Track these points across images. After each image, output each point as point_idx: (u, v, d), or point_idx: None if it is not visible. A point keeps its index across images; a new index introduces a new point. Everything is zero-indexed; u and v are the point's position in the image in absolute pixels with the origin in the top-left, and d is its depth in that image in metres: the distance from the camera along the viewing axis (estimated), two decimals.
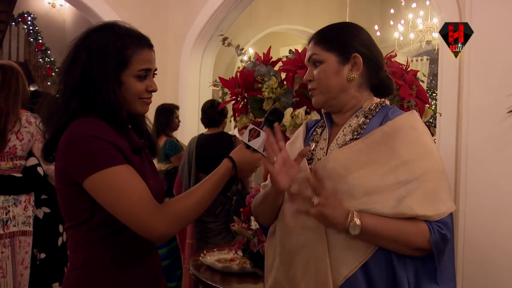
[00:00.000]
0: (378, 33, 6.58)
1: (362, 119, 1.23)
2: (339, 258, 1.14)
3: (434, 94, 5.68)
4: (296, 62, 1.82)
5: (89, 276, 1.20)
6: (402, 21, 6.47)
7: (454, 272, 1.19)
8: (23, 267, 2.61)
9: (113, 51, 1.19)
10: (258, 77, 1.88)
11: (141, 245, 1.24)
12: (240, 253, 2.05)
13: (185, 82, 4.87)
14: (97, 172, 1.12)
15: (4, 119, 2.52)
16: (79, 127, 1.16)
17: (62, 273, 2.64)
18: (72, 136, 1.16)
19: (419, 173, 1.11)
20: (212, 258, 2.22)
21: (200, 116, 3.63)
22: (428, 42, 6.29)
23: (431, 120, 3.71)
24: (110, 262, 1.21)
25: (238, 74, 1.96)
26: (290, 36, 6.94)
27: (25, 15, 8.92)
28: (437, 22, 5.49)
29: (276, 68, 1.94)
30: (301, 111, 1.74)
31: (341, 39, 1.24)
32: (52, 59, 8.67)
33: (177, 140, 3.86)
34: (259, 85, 1.87)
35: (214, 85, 2.17)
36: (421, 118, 1.79)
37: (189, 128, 4.65)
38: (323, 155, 1.24)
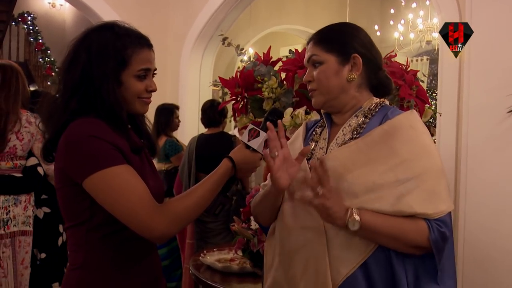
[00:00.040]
0: (378, 33, 6.58)
1: (362, 118, 1.23)
2: (339, 258, 1.14)
3: (434, 94, 5.68)
4: (296, 62, 1.82)
5: (89, 276, 1.20)
6: (402, 21, 6.46)
7: (454, 272, 1.19)
8: (23, 267, 2.61)
9: (113, 51, 1.20)
10: (258, 77, 1.89)
11: (141, 245, 1.24)
12: (240, 253, 2.05)
13: (185, 82, 4.87)
14: (97, 172, 1.12)
15: (4, 119, 2.52)
16: (79, 127, 1.16)
17: (62, 273, 2.64)
18: (72, 136, 1.16)
19: (418, 172, 1.12)
20: (212, 258, 2.22)
21: (200, 116, 3.63)
22: (428, 42, 6.29)
23: (431, 120, 3.71)
24: (110, 262, 1.21)
25: (238, 74, 1.97)
26: (290, 36, 6.94)
27: (25, 15, 8.92)
28: (437, 22, 5.49)
29: (276, 68, 1.94)
30: (301, 111, 1.74)
31: (341, 40, 1.24)
32: (52, 59, 8.67)
33: (177, 140, 3.87)
34: (259, 85, 1.87)
35: (214, 85, 2.18)
36: (421, 118, 1.80)
37: (189, 128, 4.65)
38: (323, 154, 1.24)
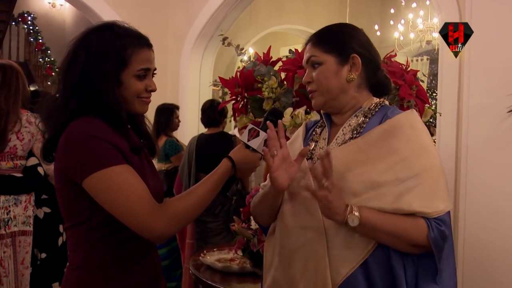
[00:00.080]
0: (378, 33, 6.58)
1: (362, 118, 1.23)
2: (339, 257, 1.14)
3: (434, 94, 5.68)
4: (296, 62, 1.82)
5: (89, 276, 1.20)
6: (402, 21, 6.46)
7: (454, 271, 1.19)
8: (23, 267, 2.61)
9: (112, 51, 1.20)
10: (258, 77, 1.89)
11: (141, 245, 1.24)
12: (240, 253, 2.05)
13: (185, 82, 4.87)
14: (97, 171, 1.12)
15: (4, 119, 2.52)
16: (78, 127, 1.16)
17: (62, 273, 2.64)
18: (72, 136, 1.16)
19: (417, 170, 1.12)
20: (212, 258, 2.22)
21: (200, 116, 3.63)
22: (428, 42, 6.29)
23: (431, 120, 3.71)
24: (109, 262, 1.21)
25: (238, 74, 1.97)
26: (290, 36, 6.94)
27: (25, 15, 8.92)
28: (437, 22, 5.49)
29: (276, 68, 1.94)
30: (301, 111, 1.74)
31: (340, 40, 1.24)
32: (52, 59, 8.67)
33: (177, 140, 3.87)
34: (259, 85, 1.87)
35: (214, 85, 2.18)
36: (421, 118, 1.80)
37: (189, 128, 4.65)
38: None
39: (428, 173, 1.13)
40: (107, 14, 4.64)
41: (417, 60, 7.21)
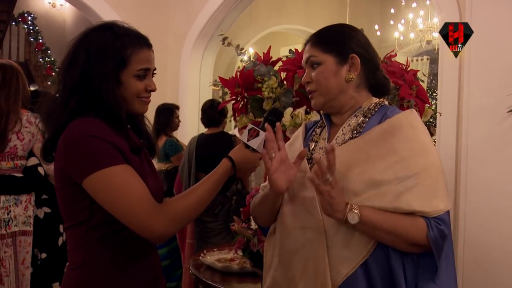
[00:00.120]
0: (378, 33, 6.57)
1: (361, 118, 1.23)
2: (339, 257, 1.14)
3: (434, 94, 5.68)
4: (296, 61, 1.82)
5: (88, 275, 1.20)
6: (402, 21, 6.46)
7: (454, 271, 1.19)
8: (24, 267, 2.61)
9: (112, 51, 1.20)
10: (258, 76, 1.89)
11: (141, 245, 1.24)
12: (240, 252, 2.05)
13: (185, 82, 4.87)
14: (96, 171, 1.12)
15: (5, 119, 2.52)
16: (78, 126, 1.16)
17: (62, 273, 2.64)
18: (71, 136, 1.16)
19: (416, 170, 1.12)
20: (212, 257, 2.22)
21: (200, 116, 3.63)
22: (428, 42, 6.29)
23: (431, 120, 3.71)
24: (109, 262, 1.21)
25: (238, 73, 1.97)
26: (290, 36, 6.94)
27: (25, 14, 8.92)
28: (437, 22, 5.49)
29: (276, 67, 1.94)
30: (301, 110, 1.74)
31: (339, 40, 1.25)
32: (52, 59, 8.67)
33: (177, 140, 3.87)
34: (259, 85, 1.87)
35: (214, 85, 2.18)
36: (421, 118, 1.80)
37: (189, 128, 4.65)
38: (323, 154, 1.25)
39: (427, 172, 1.13)
40: (107, 14, 4.64)
41: (417, 60, 7.21)
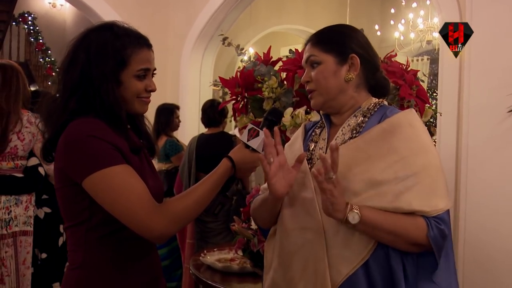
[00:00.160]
0: (378, 33, 6.57)
1: (361, 118, 1.24)
2: (339, 257, 1.14)
3: (434, 94, 5.68)
4: (296, 61, 1.82)
5: (88, 275, 1.20)
6: (403, 21, 6.46)
7: (455, 270, 1.19)
8: (25, 267, 2.61)
9: (112, 51, 1.20)
10: (258, 77, 1.89)
11: (141, 245, 1.24)
12: (240, 253, 2.05)
13: (186, 82, 4.87)
14: (96, 171, 1.12)
15: (5, 119, 2.52)
16: (78, 127, 1.16)
17: (62, 273, 2.64)
18: (71, 136, 1.16)
19: (416, 169, 1.12)
20: (212, 258, 2.22)
21: (200, 116, 3.64)
22: (429, 42, 6.29)
23: (431, 120, 3.71)
24: (109, 262, 1.21)
25: (238, 74, 1.97)
26: (291, 36, 6.94)
27: (26, 15, 8.92)
28: (437, 21, 5.48)
29: (276, 67, 1.94)
30: (301, 110, 1.74)
31: (339, 40, 1.25)
32: (52, 59, 8.67)
33: (177, 140, 3.87)
34: (259, 85, 1.87)
35: (215, 85, 2.18)
36: (422, 118, 1.80)
37: (190, 128, 4.65)
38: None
39: (427, 172, 1.13)
40: (107, 14, 4.64)
41: (417, 60, 7.21)
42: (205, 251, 2.38)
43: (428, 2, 5.88)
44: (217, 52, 5.02)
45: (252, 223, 1.98)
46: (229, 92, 1.98)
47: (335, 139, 1.25)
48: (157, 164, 3.66)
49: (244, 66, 2.02)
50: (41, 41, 8.88)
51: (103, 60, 1.19)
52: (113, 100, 1.20)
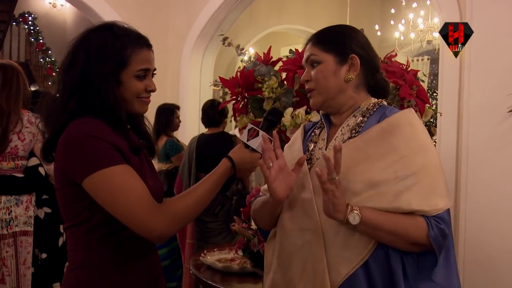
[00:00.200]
0: (378, 33, 6.57)
1: (360, 118, 1.24)
2: (339, 257, 1.14)
3: (435, 94, 5.68)
4: (296, 62, 1.82)
5: (88, 275, 1.20)
6: (403, 21, 6.46)
7: (455, 269, 1.19)
8: (25, 267, 2.61)
9: (112, 51, 1.20)
10: (259, 77, 1.89)
11: (141, 245, 1.24)
12: (240, 253, 2.05)
13: (186, 82, 4.88)
14: (96, 171, 1.12)
15: (5, 119, 2.52)
16: (78, 127, 1.17)
17: (63, 273, 2.65)
18: (71, 136, 1.16)
19: (415, 168, 1.12)
20: (212, 258, 2.22)
21: (200, 116, 3.64)
22: (429, 42, 6.29)
23: (431, 120, 3.71)
24: (109, 262, 1.21)
25: (239, 74, 1.97)
26: (291, 36, 6.94)
27: (26, 15, 8.92)
28: (437, 22, 5.48)
29: (277, 68, 1.94)
30: (301, 110, 1.74)
31: (339, 40, 1.25)
32: (53, 59, 8.67)
33: (177, 140, 3.87)
34: (259, 85, 1.87)
35: (215, 85, 2.18)
36: (422, 118, 1.80)
37: (190, 128, 4.65)
38: (322, 155, 1.25)
39: (426, 171, 1.13)
40: (107, 14, 4.64)
41: (417, 60, 7.21)
42: (205, 251, 2.38)
43: (428, 2, 5.88)
44: (217, 52, 5.02)
45: (252, 223, 1.98)
46: (229, 92, 1.98)
47: (334, 139, 1.25)
48: (157, 164, 3.66)
49: (244, 66, 2.03)
50: (41, 41, 8.88)
51: (103, 60, 1.19)
52: (113, 100, 1.20)
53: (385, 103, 1.28)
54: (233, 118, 2.05)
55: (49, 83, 8.50)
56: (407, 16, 6.37)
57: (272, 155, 1.17)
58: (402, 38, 6.43)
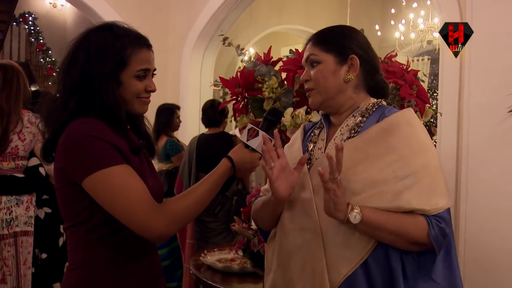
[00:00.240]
0: (379, 33, 6.57)
1: (359, 118, 1.24)
2: (338, 257, 1.14)
3: (435, 94, 5.68)
4: (296, 62, 1.82)
5: (88, 275, 1.21)
6: (403, 21, 6.46)
7: (457, 267, 1.18)
8: (26, 267, 2.61)
9: (112, 51, 1.20)
10: (259, 77, 1.89)
11: (141, 245, 1.24)
12: (240, 253, 2.05)
13: (186, 82, 4.88)
14: (96, 172, 1.12)
15: (6, 119, 2.52)
16: (78, 127, 1.17)
17: (63, 273, 2.65)
18: (71, 136, 1.16)
19: (415, 168, 1.12)
20: (212, 258, 2.22)
21: (200, 116, 3.64)
22: (429, 42, 6.28)
23: (431, 120, 3.71)
24: (109, 262, 1.21)
25: (239, 74, 1.97)
26: (291, 36, 6.94)
27: (26, 15, 8.93)
28: (438, 22, 5.48)
29: (277, 68, 1.95)
30: (301, 111, 1.74)
31: (339, 41, 1.25)
32: (53, 59, 8.67)
33: (178, 140, 3.87)
34: (260, 85, 1.87)
35: (215, 85, 2.18)
36: (422, 118, 1.80)
37: (190, 128, 4.66)
38: (321, 155, 1.25)
39: (426, 171, 1.13)
40: (108, 14, 4.65)
41: (417, 60, 7.21)
42: (205, 251, 2.38)
43: (428, 2, 5.88)
44: (217, 52, 5.03)
45: (252, 223, 1.98)
46: (230, 92, 1.98)
47: (334, 139, 1.25)
48: (157, 164, 3.66)
49: (245, 66, 2.03)
50: (41, 41, 8.88)
51: (103, 60, 1.19)
52: (113, 100, 1.20)
53: (384, 103, 1.28)
54: (233, 118, 2.05)
55: (49, 83, 8.50)
56: (407, 16, 6.37)
57: (274, 155, 1.18)
58: (402, 38, 6.42)
